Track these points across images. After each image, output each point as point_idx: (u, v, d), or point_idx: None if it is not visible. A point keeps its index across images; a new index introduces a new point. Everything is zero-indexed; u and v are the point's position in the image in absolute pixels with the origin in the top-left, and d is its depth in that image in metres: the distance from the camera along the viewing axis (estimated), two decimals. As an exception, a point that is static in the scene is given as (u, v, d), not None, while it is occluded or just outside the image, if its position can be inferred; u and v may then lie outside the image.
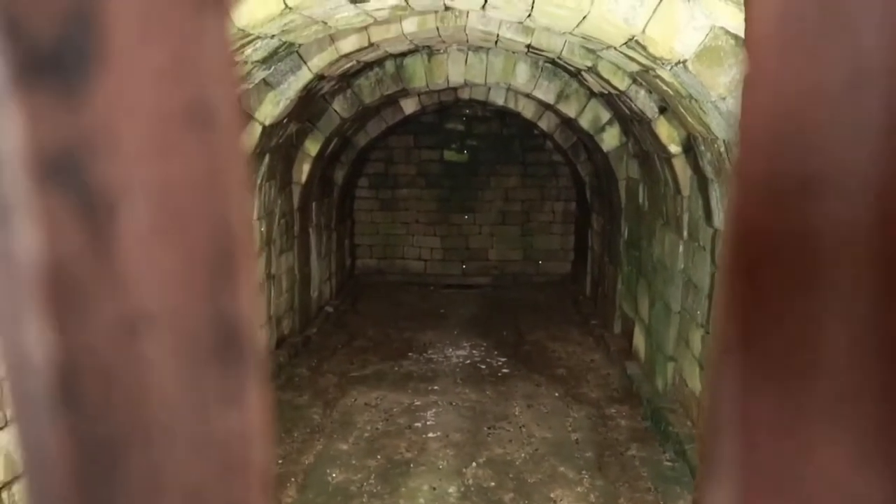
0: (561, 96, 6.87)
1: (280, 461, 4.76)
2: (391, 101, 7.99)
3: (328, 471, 4.63)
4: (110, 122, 0.18)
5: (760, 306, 0.20)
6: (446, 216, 10.58)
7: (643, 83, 4.82)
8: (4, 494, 3.04)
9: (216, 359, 0.20)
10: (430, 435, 5.21)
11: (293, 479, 4.51)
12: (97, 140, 0.18)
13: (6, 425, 3.05)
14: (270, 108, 5.35)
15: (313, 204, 7.88)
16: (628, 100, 5.29)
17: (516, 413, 5.65)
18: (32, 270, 0.18)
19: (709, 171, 4.49)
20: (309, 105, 6.27)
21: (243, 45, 3.67)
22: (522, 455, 4.90)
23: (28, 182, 0.18)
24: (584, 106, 6.86)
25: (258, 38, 3.69)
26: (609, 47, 4.09)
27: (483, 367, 6.81)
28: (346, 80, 6.66)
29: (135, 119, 0.18)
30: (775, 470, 0.20)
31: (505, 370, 6.71)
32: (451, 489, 4.42)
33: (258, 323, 0.21)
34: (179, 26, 0.18)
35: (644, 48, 3.65)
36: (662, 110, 5.04)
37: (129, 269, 0.19)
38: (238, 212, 0.19)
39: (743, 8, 3.03)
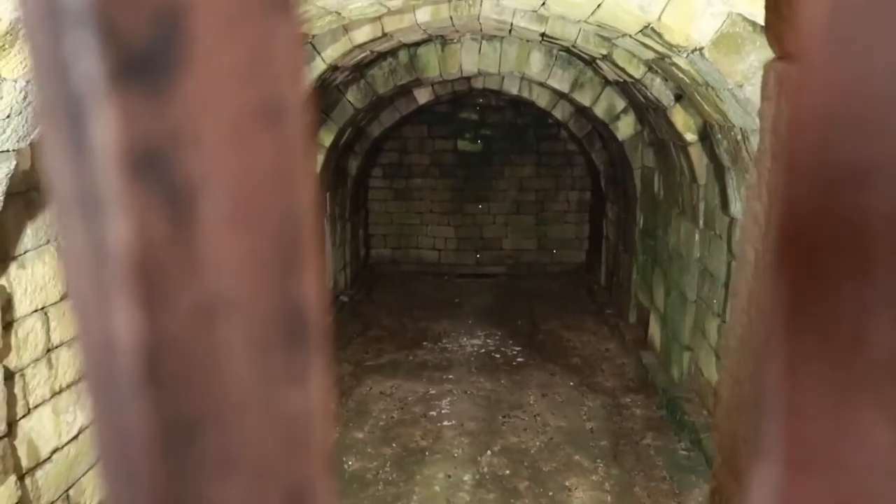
0: (575, 85, 6.83)
1: (297, 449, 4.81)
2: (405, 91, 7.98)
3: (344, 459, 4.68)
4: (193, 118, 0.19)
5: (809, 290, 0.21)
6: (460, 206, 10.58)
7: (659, 71, 4.78)
8: (28, 481, 3.10)
9: (284, 342, 0.21)
10: (445, 423, 5.25)
11: (310, 467, 4.56)
12: (181, 136, 0.19)
13: (28, 413, 3.11)
14: (285, 99, 5.36)
15: (327, 194, 7.90)
16: (644, 88, 5.26)
17: (531, 402, 5.67)
18: (123, 259, 0.19)
19: (725, 159, 4.46)
20: (323, 96, 6.28)
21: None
22: (537, 444, 4.92)
23: (120, 176, 0.19)
24: (599, 94, 6.82)
25: (273, 28, 3.70)
26: (624, 35, 4.07)
27: (498, 356, 6.83)
28: (360, 70, 6.66)
29: (215, 116, 0.20)
30: (818, 449, 0.21)
31: (519, 359, 6.72)
32: (466, 477, 4.45)
33: (323, 307, 0.22)
34: (255, 27, 0.19)
35: (660, 35, 3.62)
36: (678, 98, 5.00)
37: (208, 257, 0.20)
38: (305, 203, 0.20)
39: (761, -6, 3.01)
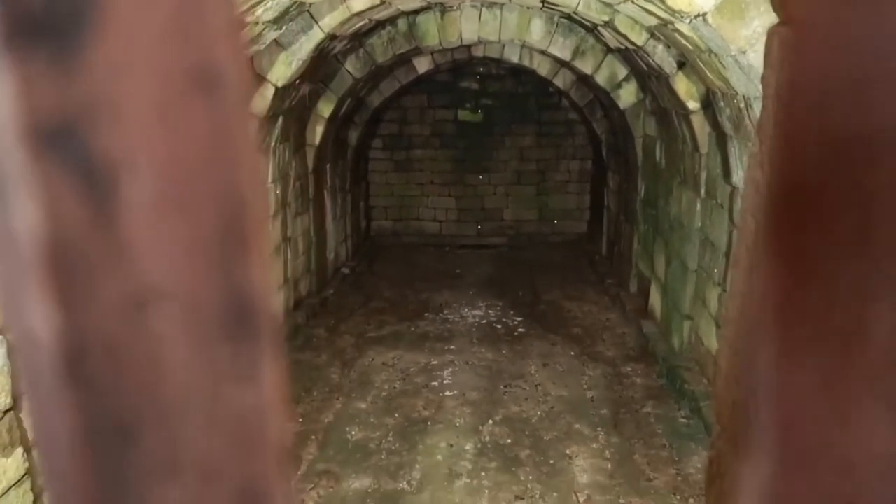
0: (577, 53, 6.73)
1: (300, 420, 4.85)
2: (404, 60, 7.87)
3: (347, 429, 4.72)
4: (110, 87, 0.17)
5: (804, 268, 0.19)
6: (461, 176, 10.52)
7: (661, 38, 4.70)
8: (35, 453, 3.13)
9: (229, 334, 0.19)
10: (447, 394, 5.28)
11: (313, 437, 4.60)
12: (97, 107, 0.17)
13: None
14: (283, 70, 5.29)
15: (327, 166, 7.85)
16: (646, 55, 5.17)
17: (532, 372, 5.69)
18: (33, 246, 0.17)
19: (728, 127, 4.41)
20: (321, 66, 6.20)
21: (254, 5, 3.62)
22: (538, 413, 4.95)
23: (24, 153, 0.17)
24: (601, 62, 6.73)
25: (268, -3, 3.63)
26: (626, 0, 3.99)
27: (499, 326, 6.85)
28: (359, 39, 6.56)
29: (137, 84, 0.17)
30: (811, 441, 0.19)
31: (521, 329, 6.74)
32: (468, 446, 4.48)
33: (271, 295, 0.20)
34: None
35: (662, 1, 3.55)
36: (681, 65, 4.93)
37: (136, 243, 0.18)
38: (248, 179, 0.18)
39: (766, -43, 2.93)
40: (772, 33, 0.76)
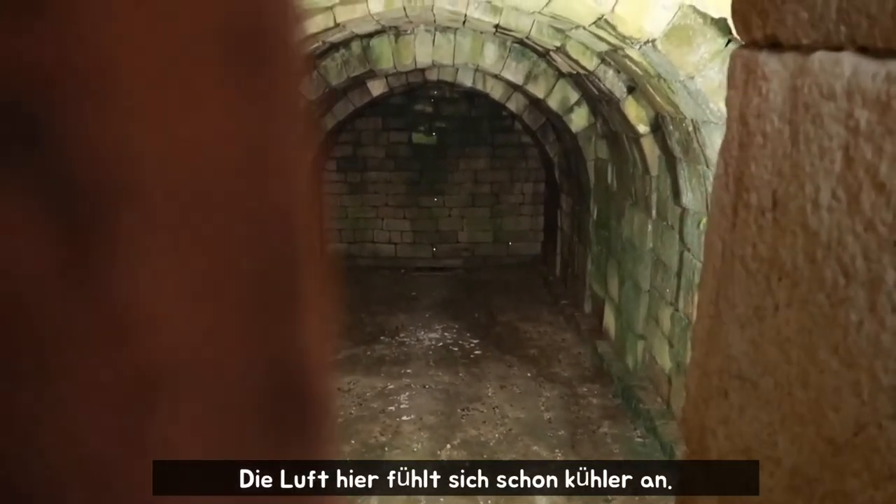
0: (529, 77, 6.85)
1: (253, 449, 4.72)
2: (358, 82, 7.87)
3: (302, 457, 4.61)
4: (94, 54, 0.10)
5: None
6: (416, 199, 10.53)
7: (612, 63, 4.82)
8: None
9: (268, 424, 0.14)
10: (404, 418, 5.21)
11: (267, 467, 4.48)
12: (71, 84, 0.10)
13: None
14: (235, 91, 5.22)
15: (281, 188, 7.76)
16: (597, 80, 5.29)
17: (489, 394, 5.68)
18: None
19: (677, 150, 4.53)
20: (274, 87, 6.14)
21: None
22: (496, 435, 4.93)
23: None
24: (553, 86, 6.85)
25: (221, 17, 3.58)
26: (578, 27, 4.08)
27: (455, 349, 6.83)
28: (312, 61, 6.54)
29: (136, 50, 0.11)
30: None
31: (477, 352, 6.73)
32: (427, 471, 4.43)
33: (327, 369, 0.15)
34: None
35: (613, 27, 3.64)
36: (631, 90, 5.05)
37: (136, 302, 0.11)
38: (299, 202, 0.13)
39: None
40: (735, 56, 0.77)
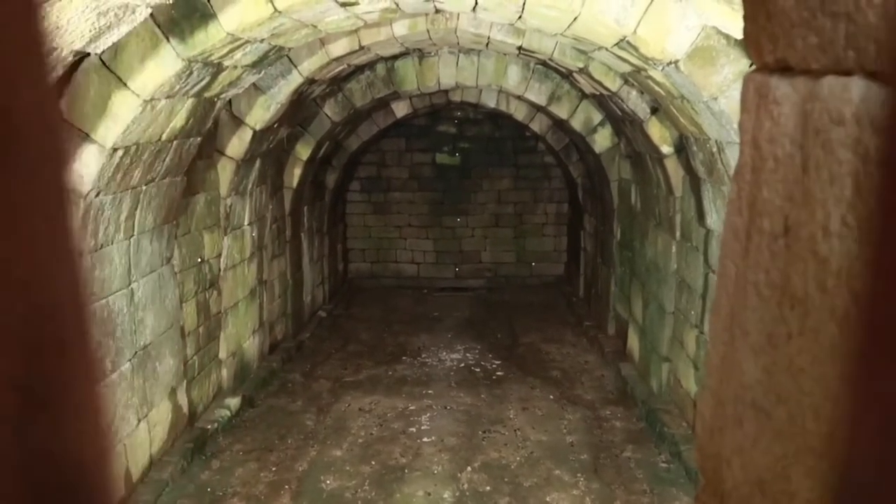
0: (552, 98, 6.86)
1: (273, 468, 4.71)
2: (382, 104, 7.96)
3: (322, 477, 4.59)
4: None
5: None
6: (439, 219, 10.56)
7: (635, 84, 4.81)
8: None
9: None
10: (425, 440, 5.18)
11: (287, 487, 4.47)
12: None
13: None
14: (261, 113, 5.31)
15: (305, 208, 7.83)
16: (620, 100, 5.28)
17: (511, 416, 5.62)
18: None
19: (701, 171, 4.48)
20: (300, 109, 6.24)
21: (233, 49, 3.63)
22: (518, 458, 4.87)
23: None
24: (576, 107, 6.85)
25: (248, 42, 3.65)
26: (600, 48, 4.08)
27: (477, 370, 6.79)
28: (337, 83, 6.62)
29: None
30: None
31: (499, 373, 6.68)
32: (446, 494, 4.38)
33: (107, 464, 0.12)
34: None
35: (636, 49, 3.64)
36: (654, 111, 5.03)
37: None
38: (63, 287, 0.11)
39: (735, 7, 3.03)
40: (747, 79, 0.77)
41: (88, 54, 3.09)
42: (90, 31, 2.61)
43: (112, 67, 3.23)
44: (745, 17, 0.73)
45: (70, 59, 2.78)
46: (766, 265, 0.63)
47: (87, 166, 3.33)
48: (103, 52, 3.13)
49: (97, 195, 3.48)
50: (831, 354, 0.49)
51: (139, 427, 4.21)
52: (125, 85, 3.28)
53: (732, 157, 3.77)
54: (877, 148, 0.43)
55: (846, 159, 0.46)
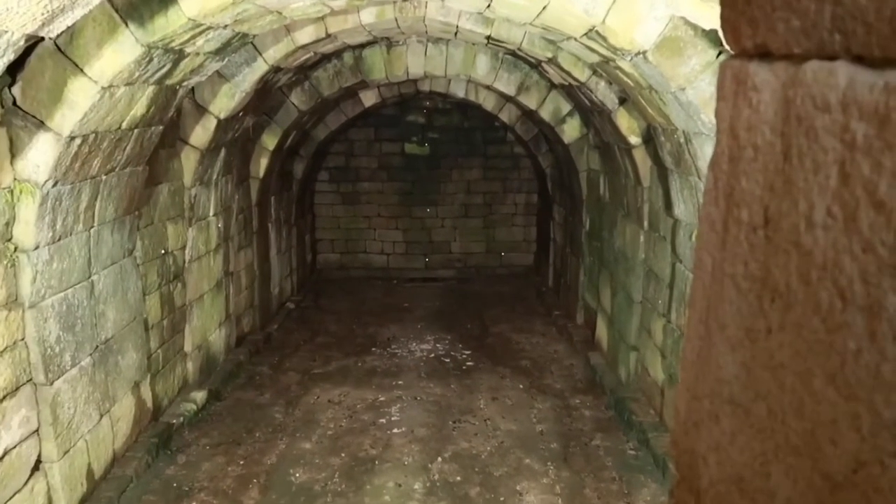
0: (521, 88, 6.84)
1: (241, 462, 4.65)
2: (350, 93, 7.86)
3: (291, 470, 4.54)
4: None
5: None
6: (408, 209, 10.51)
7: (603, 74, 4.81)
8: None
9: None
10: (395, 431, 5.16)
11: (255, 480, 4.41)
12: None
13: None
14: (225, 101, 5.19)
15: (272, 199, 7.72)
16: (588, 91, 5.29)
17: (481, 406, 5.63)
18: None
19: (669, 161, 4.52)
20: (265, 98, 6.12)
21: (195, 36, 3.53)
22: (488, 448, 4.88)
23: None
24: (545, 98, 6.85)
25: (210, 28, 3.55)
26: (569, 38, 4.07)
27: (447, 360, 6.78)
28: (304, 72, 6.52)
29: None
30: None
31: (469, 363, 6.69)
32: (417, 485, 4.37)
33: None
34: None
35: (604, 39, 3.63)
36: (622, 101, 5.05)
37: None
38: None
39: (702, -2, 3.03)
40: (724, 66, 0.75)
41: (42, 39, 2.98)
42: (42, 13, 2.51)
43: (68, 53, 3.12)
44: (723, 2, 0.70)
45: (22, 43, 2.66)
46: (744, 257, 0.61)
47: (44, 155, 3.22)
48: (58, 36, 3.01)
49: (54, 185, 3.36)
50: (814, 350, 0.47)
51: (101, 422, 4.11)
52: (82, 71, 3.17)
53: (700, 147, 3.80)
54: (865, 135, 0.41)
55: (832, 147, 0.44)
